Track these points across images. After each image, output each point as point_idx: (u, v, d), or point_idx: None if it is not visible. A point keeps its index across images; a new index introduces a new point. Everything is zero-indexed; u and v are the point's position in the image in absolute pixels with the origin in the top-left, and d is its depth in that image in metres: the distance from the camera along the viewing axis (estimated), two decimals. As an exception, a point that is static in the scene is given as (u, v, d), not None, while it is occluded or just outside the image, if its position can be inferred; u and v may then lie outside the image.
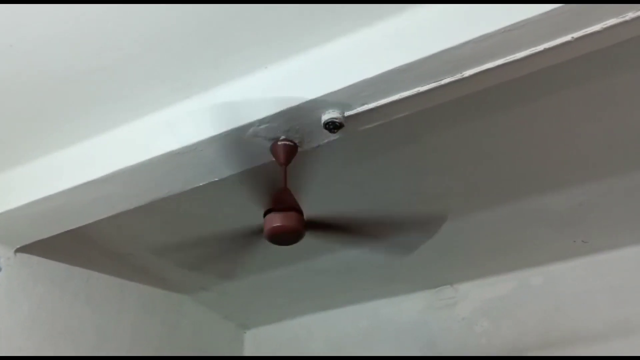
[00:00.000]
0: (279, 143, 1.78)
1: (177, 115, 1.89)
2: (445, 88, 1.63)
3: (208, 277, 3.10)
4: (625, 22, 1.44)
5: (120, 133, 1.99)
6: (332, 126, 1.70)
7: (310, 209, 1.69)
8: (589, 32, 1.47)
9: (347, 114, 1.70)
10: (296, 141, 1.79)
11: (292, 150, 1.79)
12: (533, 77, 1.65)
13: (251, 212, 1.67)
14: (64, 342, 2.48)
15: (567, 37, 1.49)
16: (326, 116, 1.70)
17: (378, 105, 1.68)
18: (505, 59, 1.55)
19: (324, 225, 1.72)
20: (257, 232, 1.68)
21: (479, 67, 1.57)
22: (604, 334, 2.81)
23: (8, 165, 2.16)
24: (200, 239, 1.86)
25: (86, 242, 2.61)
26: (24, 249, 2.39)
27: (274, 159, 1.82)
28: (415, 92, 1.64)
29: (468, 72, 1.58)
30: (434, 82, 1.62)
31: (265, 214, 1.64)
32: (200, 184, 1.98)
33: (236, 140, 1.78)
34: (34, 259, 2.45)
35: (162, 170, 1.92)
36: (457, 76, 1.59)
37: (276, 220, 1.61)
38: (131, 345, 2.82)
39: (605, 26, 1.45)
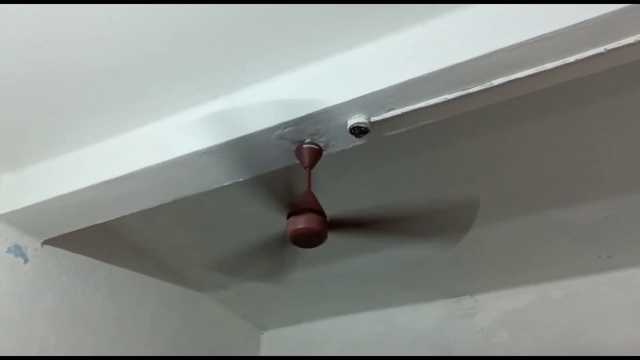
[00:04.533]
0: (304, 146, 1.79)
1: (204, 114, 1.91)
2: (472, 96, 1.62)
3: (227, 276, 3.11)
4: (660, 35, 1.42)
5: (148, 130, 2.02)
6: (358, 131, 1.70)
7: (333, 211, 1.69)
8: (622, 44, 1.45)
9: (373, 119, 1.70)
10: (321, 145, 1.80)
11: (316, 154, 1.80)
12: (561, 89, 1.63)
13: (274, 214, 1.68)
14: (85, 332, 2.53)
15: (600, 49, 1.47)
16: (352, 121, 1.70)
17: (404, 111, 1.67)
18: (535, 69, 1.54)
19: (347, 224, 1.71)
20: (280, 234, 1.68)
21: (508, 76, 1.56)
22: (625, 352, 2.75)
23: (38, 159, 2.21)
24: (223, 238, 1.87)
25: (110, 236, 2.66)
26: (50, 242, 2.43)
27: (298, 162, 1.83)
28: (443, 100, 1.63)
29: (497, 81, 1.57)
30: (462, 90, 1.61)
31: (288, 216, 1.65)
32: (225, 184, 1.99)
33: (262, 142, 1.79)
34: (60, 251, 2.50)
35: (188, 169, 1.94)
36: (486, 85, 1.58)
37: (299, 223, 1.61)
38: (149, 339, 2.86)
39: (639, 38, 1.43)
